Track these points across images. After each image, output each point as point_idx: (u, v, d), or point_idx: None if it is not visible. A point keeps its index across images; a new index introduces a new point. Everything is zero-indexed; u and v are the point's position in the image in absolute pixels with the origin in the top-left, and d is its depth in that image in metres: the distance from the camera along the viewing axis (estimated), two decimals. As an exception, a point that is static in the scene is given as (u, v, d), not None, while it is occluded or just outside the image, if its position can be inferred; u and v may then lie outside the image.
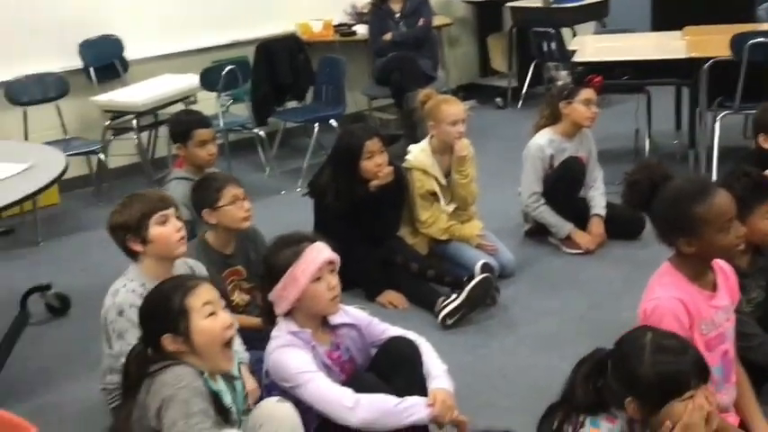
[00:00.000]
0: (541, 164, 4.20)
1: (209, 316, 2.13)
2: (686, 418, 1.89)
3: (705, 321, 2.25)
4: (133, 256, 2.72)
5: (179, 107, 5.15)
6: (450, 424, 2.41)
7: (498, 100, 7.31)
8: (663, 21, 6.39)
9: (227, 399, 2.22)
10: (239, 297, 3.23)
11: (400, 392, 2.39)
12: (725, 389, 2.35)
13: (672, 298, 2.20)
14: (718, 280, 2.31)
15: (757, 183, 2.52)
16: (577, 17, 7.00)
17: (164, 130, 5.15)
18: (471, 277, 3.62)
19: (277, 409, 2.30)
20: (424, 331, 2.77)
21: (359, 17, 6.81)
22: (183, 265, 2.83)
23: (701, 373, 1.94)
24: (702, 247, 2.18)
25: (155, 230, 2.67)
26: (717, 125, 4.87)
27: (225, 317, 2.17)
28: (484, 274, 3.62)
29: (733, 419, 2.36)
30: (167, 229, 2.69)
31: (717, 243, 2.17)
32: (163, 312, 2.12)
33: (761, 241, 2.57)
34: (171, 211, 2.72)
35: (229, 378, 2.28)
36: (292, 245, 2.46)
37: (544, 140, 4.21)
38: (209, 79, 5.40)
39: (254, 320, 2.97)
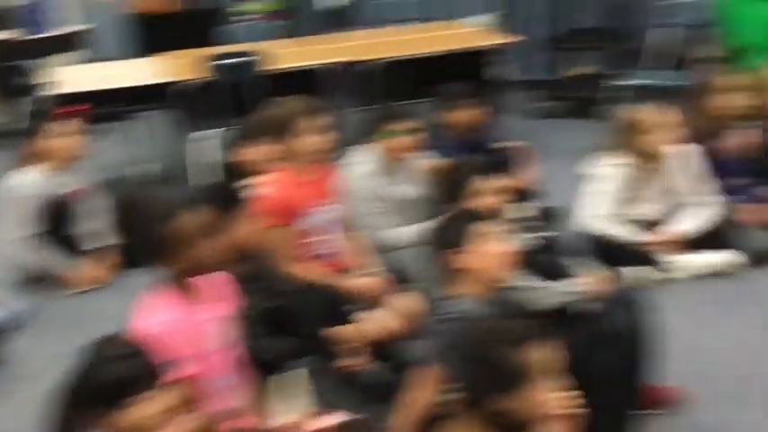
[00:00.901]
0: (30, 204, 3.96)
1: None
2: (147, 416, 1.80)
3: (202, 336, 2.28)
4: None
5: None
6: None
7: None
8: (146, 48, 6.48)
9: None
10: None
11: None
12: (237, 395, 2.42)
13: (161, 322, 2.17)
14: (210, 292, 2.36)
15: (229, 194, 2.66)
16: (55, 47, 6.74)
17: None
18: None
19: None
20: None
21: None
22: None
23: (148, 378, 1.83)
24: (182, 264, 2.22)
25: None
26: (200, 144, 5.04)
27: None
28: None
29: (249, 422, 2.44)
30: None
31: (193, 259, 2.21)
32: None
33: (244, 247, 2.71)
34: None
35: None
36: None
37: (29, 179, 3.98)
38: None
39: None
